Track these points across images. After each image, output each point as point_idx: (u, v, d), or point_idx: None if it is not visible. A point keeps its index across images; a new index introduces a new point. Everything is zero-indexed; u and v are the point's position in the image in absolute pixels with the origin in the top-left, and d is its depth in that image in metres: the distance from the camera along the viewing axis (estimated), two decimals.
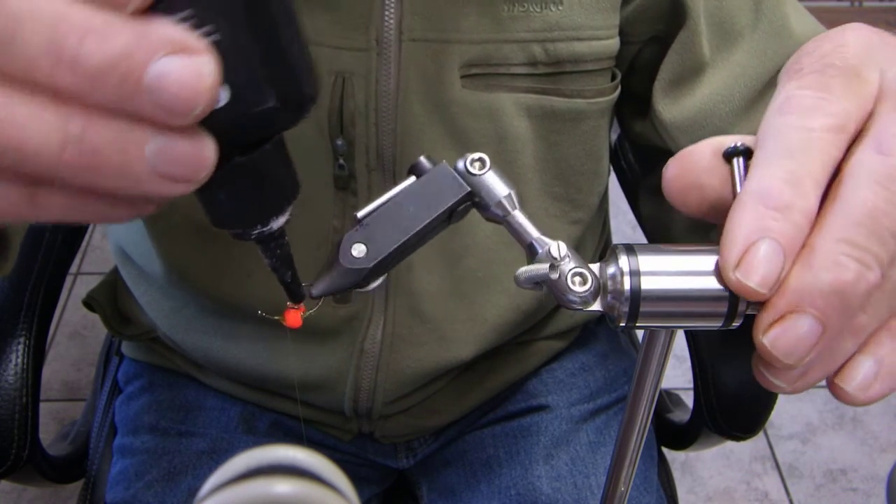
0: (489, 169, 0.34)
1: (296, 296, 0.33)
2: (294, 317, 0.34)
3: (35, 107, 0.23)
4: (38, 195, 0.25)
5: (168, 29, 0.23)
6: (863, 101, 0.30)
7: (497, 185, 0.34)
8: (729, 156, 0.31)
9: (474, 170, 0.34)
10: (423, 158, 0.33)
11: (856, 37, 0.32)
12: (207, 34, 0.24)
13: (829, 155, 0.29)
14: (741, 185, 0.30)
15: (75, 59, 0.22)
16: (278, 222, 0.30)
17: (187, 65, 0.22)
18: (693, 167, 0.32)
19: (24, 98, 0.22)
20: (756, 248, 0.27)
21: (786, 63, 0.33)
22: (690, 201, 0.32)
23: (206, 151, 0.24)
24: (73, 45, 0.22)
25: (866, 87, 0.30)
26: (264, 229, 0.30)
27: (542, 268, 0.32)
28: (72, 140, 0.23)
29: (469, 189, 0.33)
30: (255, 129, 0.27)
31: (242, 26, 0.24)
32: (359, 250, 0.32)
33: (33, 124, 0.23)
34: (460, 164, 0.34)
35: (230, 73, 0.24)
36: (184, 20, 0.24)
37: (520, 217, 0.34)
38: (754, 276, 0.27)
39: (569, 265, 0.32)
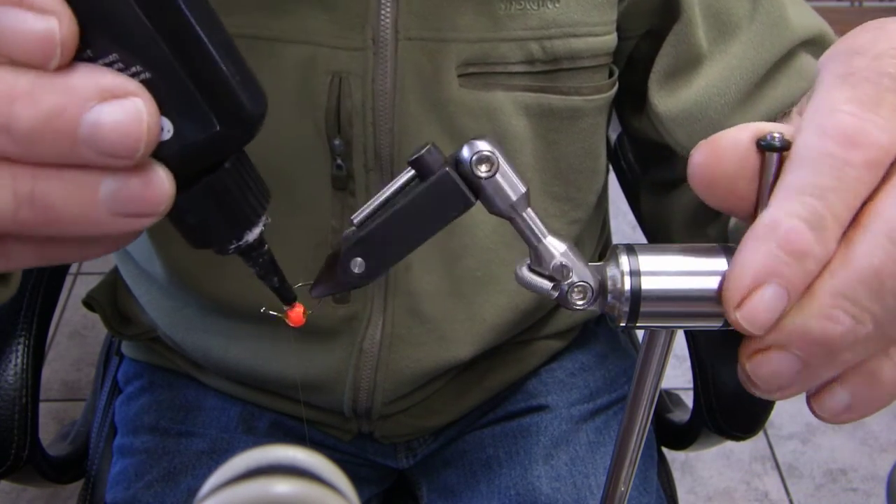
0: (497, 171, 0.31)
1: (287, 299, 0.33)
2: (297, 315, 0.34)
3: None
4: (7, 249, 0.25)
5: (95, 77, 0.23)
6: None
7: (506, 189, 0.31)
8: (764, 148, 0.28)
9: (481, 173, 0.31)
10: (425, 153, 0.31)
11: None
12: (137, 74, 0.24)
13: (861, 194, 0.27)
14: (770, 186, 0.29)
15: (7, 126, 0.22)
16: (253, 234, 0.30)
17: (120, 109, 0.23)
18: (724, 154, 0.29)
19: None
20: (762, 292, 0.27)
21: (832, 49, 0.31)
22: (717, 193, 0.30)
23: (160, 185, 0.25)
24: (2, 113, 0.22)
25: None
26: (240, 243, 0.30)
27: (544, 283, 0.32)
28: (23, 199, 0.23)
29: (475, 201, 0.31)
30: (207, 154, 0.27)
31: (170, 59, 0.24)
32: (358, 266, 0.32)
33: None
34: (465, 157, 0.31)
35: (168, 106, 0.24)
36: (110, 64, 0.24)
37: (528, 218, 0.32)
38: (755, 322, 0.28)
39: (570, 279, 0.32)
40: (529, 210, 0.32)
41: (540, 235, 0.32)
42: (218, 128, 0.26)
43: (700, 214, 0.65)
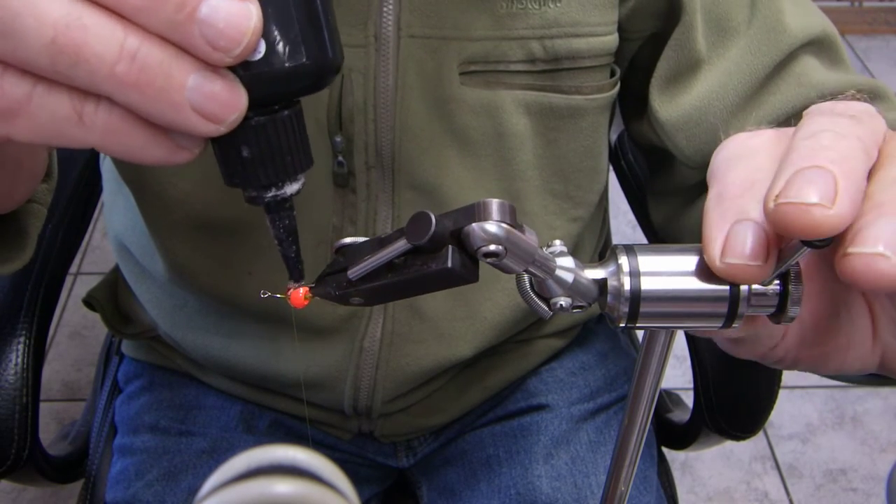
0: (506, 256, 0.29)
1: (296, 273, 0.34)
2: (298, 297, 0.34)
3: (102, 18, 0.25)
4: (85, 112, 0.27)
5: None
6: None
7: (515, 265, 0.30)
8: (805, 243, 0.27)
9: (488, 261, 0.29)
10: (428, 240, 0.29)
11: None
12: None
13: None
14: (792, 261, 0.29)
15: None
16: (292, 188, 0.31)
17: (237, 6, 0.26)
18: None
19: (93, 10, 0.25)
20: (735, 228, 0.29)
21: None
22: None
23: (238, 96, 0.27)
24: None
25: None
26: (278, 193, 0.31)
27: (542, 306, 0.33)
28: (126, 54, 0.25)
29: (476, 280, 0.31)
30: (284, 84, 0.29)
31: None
32: (357, 301, 0.33)
33: (98, 32, 0.25)
34: (472, 244, 0.29)
35: (269, 27, 0.27)
36: None
37: (537, 263, 0.31)
38: (739, 252, 0.28)
39: (566, 311, 0.32)
40: (538, 251, 0.31)
41: (548, 272, 0.32)
42: (304, 59, 0.28)
43: None
